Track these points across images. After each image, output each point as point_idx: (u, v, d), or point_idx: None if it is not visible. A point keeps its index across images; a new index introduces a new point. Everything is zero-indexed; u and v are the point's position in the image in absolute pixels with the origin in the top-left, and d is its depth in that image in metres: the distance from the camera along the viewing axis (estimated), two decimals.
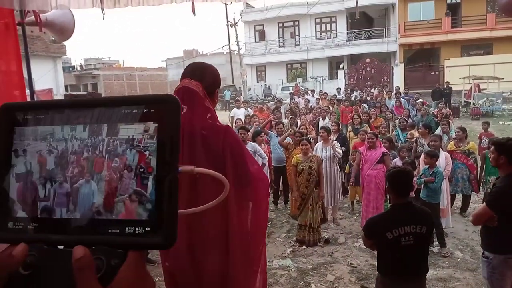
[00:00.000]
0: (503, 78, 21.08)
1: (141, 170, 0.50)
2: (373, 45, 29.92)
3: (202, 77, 2.08)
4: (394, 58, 29.51)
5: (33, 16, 4.58)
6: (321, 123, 10.32)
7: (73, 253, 0.46)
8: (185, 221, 1.99)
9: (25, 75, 4.93)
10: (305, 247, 5.96)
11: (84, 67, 42.21)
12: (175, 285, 2.16)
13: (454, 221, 6.74)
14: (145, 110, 0.50)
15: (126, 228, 0.49)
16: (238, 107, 13.76)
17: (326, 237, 6.23)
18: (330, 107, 13.50)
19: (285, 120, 10.85)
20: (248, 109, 14.37)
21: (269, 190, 4.67)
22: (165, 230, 0.48)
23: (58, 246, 0.51)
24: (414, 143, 7.46)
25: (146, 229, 0.48)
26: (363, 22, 31.24)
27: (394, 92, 17.08)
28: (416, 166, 6.24)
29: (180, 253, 2.05)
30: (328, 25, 32.80)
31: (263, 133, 7.54)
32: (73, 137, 0.52)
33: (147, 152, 0.50)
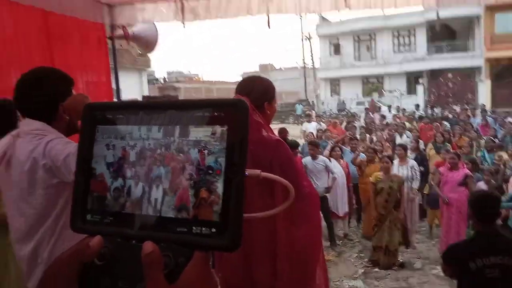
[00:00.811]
0: None
1: (210, 172, 0.51)
2: (456, 60, 28.28)
3: (249, 91, 2.10)
4: (479, 73, 27.66)
5: (122, 30, 4.93)
6: (398, 140, 9.91)
7: (143, 248, 0.48)
8: None
9: (113, 86, 5.29)
10: (378, 269, 5.70)
11: (167, 80, 44.59)
12: None
13: None
14: (215, 113, 0.52)
15: (194, 228, 0.50)
16: (309, 121, 13.68)
17: (402, 261, 5.91)
18: (408, 123, 12.96)
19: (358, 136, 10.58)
20: (321, 123, 14.24)
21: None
22: (231, 232, 0.48)
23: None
24: (502, 166, 6.90)
25: (212, 230, 0.49)
26: (445, 35, 29.74)
27: (480, 110, 16.00)
28: (504, 191, 5.75)
29: (234, 262, 2.07)
30: (407, 38, 31.69)
31: (338, 148, 7.40)
32: (149, 137, 0.55)
33: (216, 155, 0.51)
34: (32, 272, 1.88)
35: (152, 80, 39.77)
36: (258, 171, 0.57)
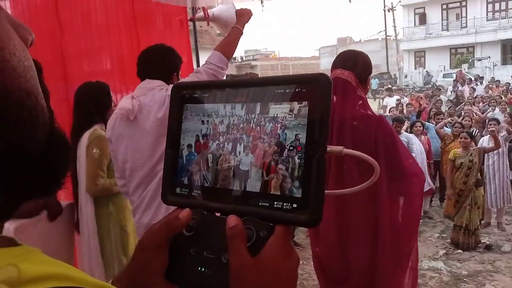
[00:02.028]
0: None
1: (291, 148, 0.51)
2: None
3: (354, 66, 2.05)
4: None
5: (202, 12, 5.09)
6: (490, 115, 9.19)
7: (227, 221, 0.51)
8: (334, 209, 2.01)
9: (195, 66, 5.53)
10: (461, 251, 5.45)
11: (244, 58, 45.08)
12: (323, 271, 2.21)
13: None
14: (297, 89, 0.52)
15: (275, 203, 0.51)
16: (391, 96, 13.10)
17: (488, 242, 5.58)
18: (503, 96, 11.92)
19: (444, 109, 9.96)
20: (404, 97, 13.58)
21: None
22: (312, 208, 0.49)
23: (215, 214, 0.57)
24: None
25: (294, 206, 0.50)
26: None
27: None
28: None
29: (329, 240, 2.08)
30: (503, 3, 28.71)
31: (419, 123, 7.08)
32: (233, 114, 0.57)
33: (297, 131, 0.51)
34: None
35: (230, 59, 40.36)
36: (340, 148, 0.55)
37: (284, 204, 0.50)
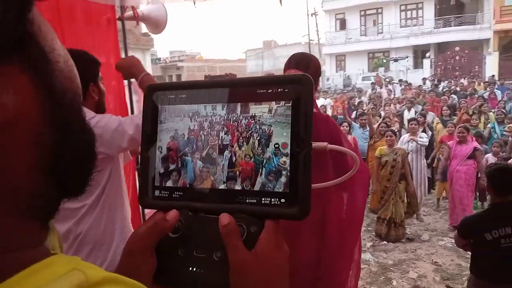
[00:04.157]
0: None
1: (276, 145, 0.53)
2: (463, 33, 27.79)
3: (307, 67, 2.10)
4: (487, 46, 27.22)
5: (131, 11, 4.93)
6: (406, 115, 9.90)
7: (220, 219, 0.51)
8: None
9: None
10: (386, 242, 5.81)
11: (169, 59, 44.24)
12: None
13: None
14: (280, 89, 0.53)
15: (263, 199, 0.52)
16: (317, 98, 13.63)
17: (409, 233, 6.02)
18: (415, 97, 12.89)
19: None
20: (327, 99, 14.19)
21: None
22: (301, 202, 0.51)
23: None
24: (510, 138, 6.92)
25: (282, 201, 0.51)
26: (453, 8, 29.16)
27: (488, 82, 15.85)
28: None
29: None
30: (414, 12, 31.11)
31: (346, 123, 7.44)
32: (214, 115, 0.57)
33: (282, 129, 0.53)
34: (73, 246, 1.88)
35: (155, 60, 39.45)
36: (324, 144, 0.58)
37: (273, 199, 0.52)
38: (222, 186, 0.56)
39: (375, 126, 7.29)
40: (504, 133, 7.58)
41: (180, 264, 0.54)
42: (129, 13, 4.90)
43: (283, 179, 0.52)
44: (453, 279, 4.70)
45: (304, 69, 2.06)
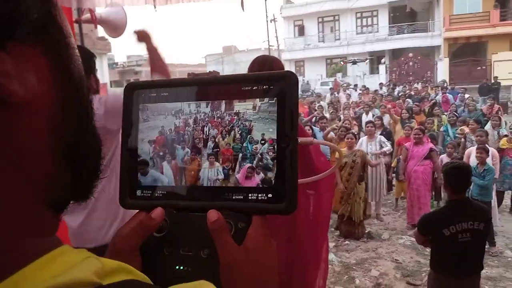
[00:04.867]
0: None
1: (263, 142, 0.53)
2: (416, 39, 29.03)
3: (270, 69, 2.11)
4: (438, 52, 28.54)
5: (89, 14, 4.79)
6: (364, 118, 10.18)
7: (208, 216, 0.50)
8: None
9: None
10: (348, 242, 5.93)
11: (126, 64, 43.38)
12: None
13: (504, 219, 6.51)
14: (265, 86, 0.53)
15: (250, 195, 0.52)
16: None
17: (369, 232, 6.18)
18: (372, 102, 13.28)
19: (326, 115, 10.78)
20: None
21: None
22: (289, 197, 0.50)
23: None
24: (462, 139, 7.25)
25: (269, 196, 0.51)
26: (406, 16, 30.35)
27: (440, 87, 16.57)
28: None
29: None
30: (370, 19, 32.14)
31: (308, 127, 7.55)
32: (198, 112, 0.56)
33: (267, 125, 0.53)
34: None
35: (112, 64, 38.55)
36: (310, 139, 0.59)
37: (259, 195, 0.52)
38: (207, 184, 0.55)
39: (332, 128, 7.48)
40: (457, 135, 7.93)
41: (167, 264, 0.53)
42: (86, 16, 4.76)
43: (269, 174, 0.52)
44: (413, 275, 4.85)
45: (267, 70, 2.07)
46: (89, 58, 2.13)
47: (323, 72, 32.33)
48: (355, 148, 6.23)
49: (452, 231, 3.03)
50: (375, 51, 30.50)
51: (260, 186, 0.52)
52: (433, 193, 7.04)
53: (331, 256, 5.47)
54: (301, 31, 33.76)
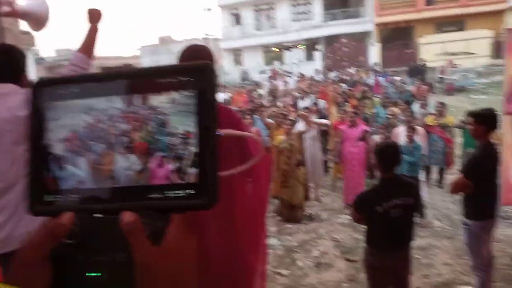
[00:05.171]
0: (475, 54, 21.48)
1: (181, 135, 0.51)
2: (349, 26, 29.95)
3: (201, 59, 2.07)
4: (370, 37, 29.69)
5: (8, 7, 4.45)
6: (301, 104, 10.38)
7: (122, 218, 0.48)
8: None
9: None
10: (290, 225, 6.06)
11: (55, 58, 41.11)
12: None
13: (432, 192, 6.93)
14: (182, 78, 0.51)
15: (168, 192, 0.50)
16: (219, 91, 13.69)
17: (309, 214, 6.34)
18: (309, 88, 13.58)
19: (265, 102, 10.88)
20: (226, 92, 14.33)
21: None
22: (210, 191, 0.49)
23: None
24: (393, 120, 7.60)
25: (188, 192, 0.49)
26: (339, 3, 31.21)
27: (372, 71, 17.26)
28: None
29: None
30: (304, 6, 32.67)
31: (248, 116, 7.58)
32: (111, 108, 0.53)
33: (186, 119, 0.51)
34: None
35: (38, 59, 36.35)
36: (227, 130, 0.56)
37: (178, 192, 0.50)
38: (122, 184, 0.52)
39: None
40: (388, 116, 8.30)
41: (80, 272, 0.50)
42: (6, 8, 4.42)
43: (189, 169, 0.50)
44: (351, 252, 5.06)
45: (198, 60, 2.03)
46: (22, 58, 2.20)
47: (261, 60, 32.53)
48: (292, 133, 6.33)
49: (385, 208, 3.17)
50: (310, 38, 31.11)
51: (179, 182, 0.50)
52: (369, 172, 7.34)
53: (273, 241, 5.57)
54: (238, 19, 33.67)
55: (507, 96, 4.90)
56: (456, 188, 3.65)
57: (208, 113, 0.50)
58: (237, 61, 34.15)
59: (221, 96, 13.04)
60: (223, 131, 0.59)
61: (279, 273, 4.74)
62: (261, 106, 8.79)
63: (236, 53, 34.31)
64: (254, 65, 31.17)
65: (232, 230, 2.09)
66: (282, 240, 5.59)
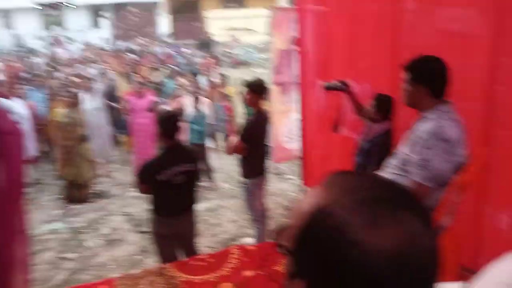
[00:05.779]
0: (255, 31, 23.61)
1: None
2: None
3: None
4: (159, 8, 29.37)
5: None
6: (90, 72, 9.60)
7: None
8: None
9: None
10: (77, 206, 5.63)
11: None
12: None
13: (219, 158, 7.39)
14: None
15: None
16: None
17: (97, 191, 6.01)
18: (95, 56, 12.68)
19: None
20: None
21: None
22: None
23: None
24: (181, 90, 7.73)
25: None
26: None
27: (162, 42, 17.18)
28: (183, 111, 6.50)
29: None
30: None
31: (18, 85, 6.58)
32: None
33: None
34: None
35: None
36: None
37: None
38: None
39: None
40: (175, 86, 8.40)
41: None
42: None
43: None
44: (145, 224, 5.00)
45: None
46: None
47: (38, 24, 28.76)
48: (75, 107, 5.80)
49: (168, 175, 3.19)
50: (96, 4, 28.89)
51: None
52: (158, 143, 7.34)
53: (57, 224, 5.10)
54: None
55: (275, 69, 5.54)
56: (231, 149, 3.97)
57: None
58: (8, 25, 29.39)
59: None
60: None
61: (64, 258, 4.36)
62: (37, 75, 7.76)
63: (5, 15, 29.45)
64: (30, 30, 27.31)
65: None
66: (67, 223, 5.16)
